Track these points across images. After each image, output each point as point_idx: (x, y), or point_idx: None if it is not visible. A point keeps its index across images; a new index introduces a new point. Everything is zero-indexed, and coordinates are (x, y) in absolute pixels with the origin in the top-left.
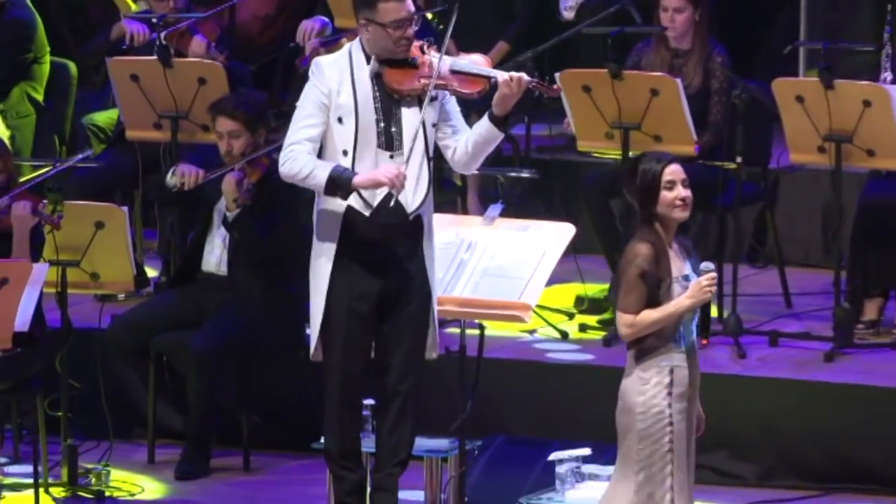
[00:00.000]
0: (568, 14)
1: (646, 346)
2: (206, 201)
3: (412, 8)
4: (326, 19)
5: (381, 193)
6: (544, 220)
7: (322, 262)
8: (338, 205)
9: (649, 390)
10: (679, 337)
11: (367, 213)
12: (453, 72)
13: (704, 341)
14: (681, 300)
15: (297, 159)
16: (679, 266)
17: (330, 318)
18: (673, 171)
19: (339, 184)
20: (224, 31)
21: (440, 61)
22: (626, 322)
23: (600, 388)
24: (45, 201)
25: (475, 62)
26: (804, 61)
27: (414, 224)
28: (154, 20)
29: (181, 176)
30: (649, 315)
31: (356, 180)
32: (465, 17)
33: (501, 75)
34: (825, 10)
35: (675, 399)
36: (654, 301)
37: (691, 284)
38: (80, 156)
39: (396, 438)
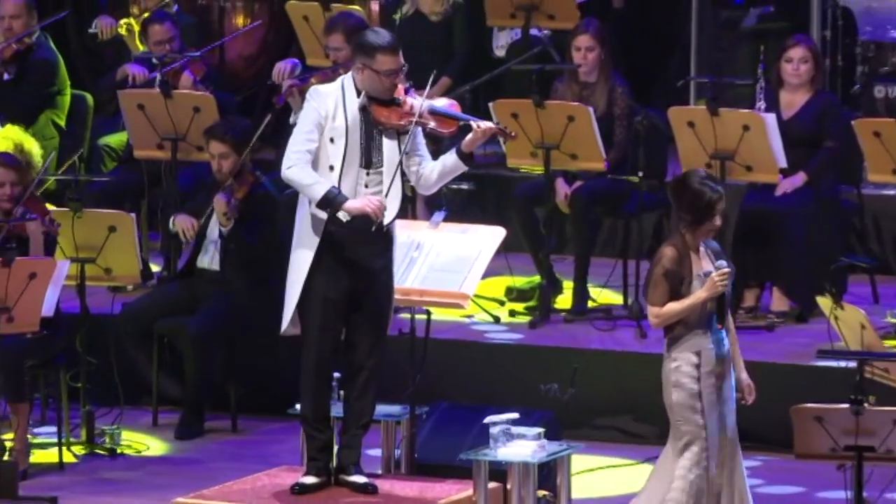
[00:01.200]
0: (499, 52)
1: (675, 334)
2: (204, 212)
3: (402, 60)
4: (297, 61)
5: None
6: (480, 224)
7: (303, 257)
8: (322, 211)
9: (682, 371)
10: (707, 324)
11: (344, 218)
12: (432, 112)
13: (720, 326)
14: (698, 293)
15: (303, 170)
16: (705, 265)
17: (308, 306)
18: (722, 203)
19: (332, 203)
20: (211, 69)
21: (423, 104)
22: (654, 313)
23: (527, 362)
24: (51, 215)
25: (449, 106)
26: (694, 93)
27: (385, 233)
28: (154, 60)
29: (181, 228)
30: (672, 307)
31: (347, 205)
32: (414, 56)
33: (472, 122)
34: (711, 51)
35: (703, 376)
36: (677, 295)
37: (707, 279)
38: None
39: (361, 405)
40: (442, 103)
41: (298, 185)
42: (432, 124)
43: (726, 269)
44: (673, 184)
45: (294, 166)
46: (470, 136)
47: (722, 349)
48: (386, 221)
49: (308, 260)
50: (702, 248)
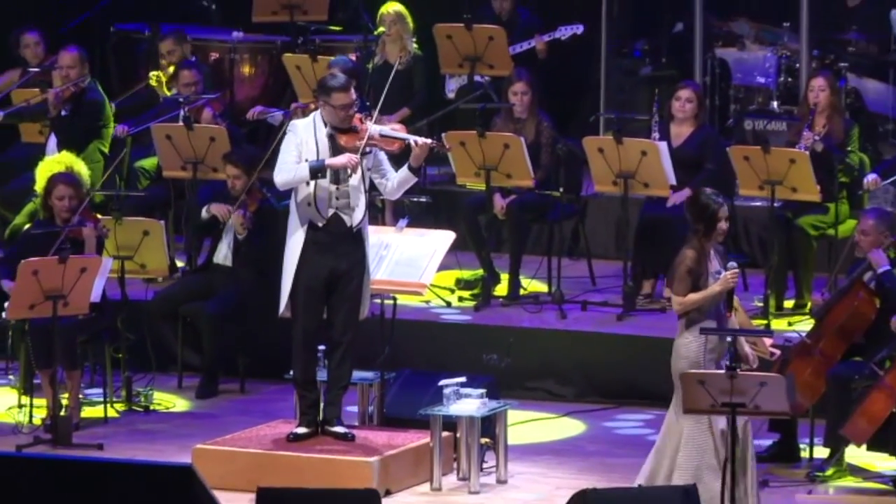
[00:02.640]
0: (450, 94)
1: (691, 318)
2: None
3: (354, 96)
4: (273, 109)
5: (329, 213)
6: (435, 229)
7: (293, 254)
8: (304, 218)
9: (692, 347)
10: (715, 312)
11: (320, 224)
12: (381, 135)
13: (728, 314)
14: (713, 287)
15: (286, 170)
16: (714, 264)
17: (296, 292)
18: (724, 211)
19: (319, 168)
20: (226, 107)
21: (373, 129)
22: (678, 301)
23: (472, 338)
24: (101, 222)
25: (395, 129)
26: (603, 126)
27: (357, 233)
28: (181, 99)
29: (218, 213)
30: (693, 297)
31: (328, 162)
32: (376, 92)
33: (413, 139)
34: (616, 93)
35: (708, 352)
36: (696, 288)
37: (721, 276)
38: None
39: (340, 372)
40: (389, 128)
41: (290, 180)
42: (381, 145)
43: (736, 269)
44: (688, 202)
45: (280, 172)
46: (413, 152)
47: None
48: (354, 224)
49: (296, 258)
50: (712, 251)
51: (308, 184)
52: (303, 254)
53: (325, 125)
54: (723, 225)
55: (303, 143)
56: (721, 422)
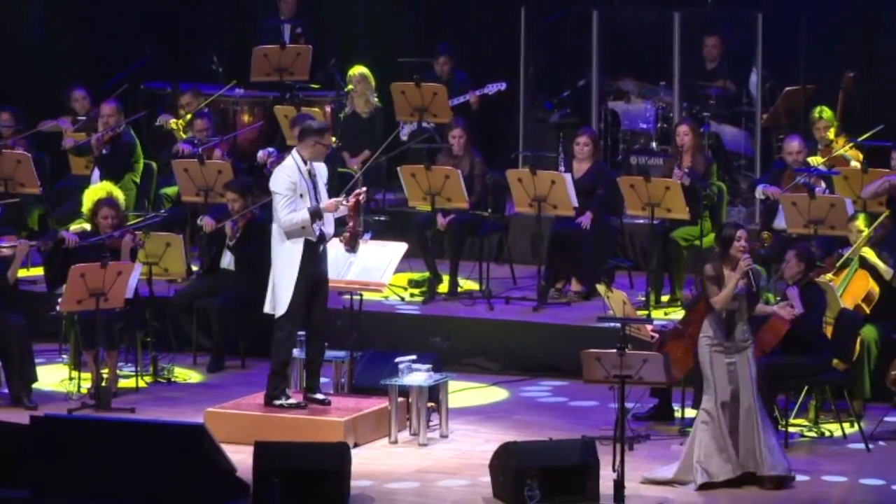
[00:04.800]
0: (404, 137)
1: (707, 322)
2: (222, 237)
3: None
4: (272, 149)
5: (319, 231)
6: (392, 241)
7: (293, 265)
8: (302, 237)
9: (703, 344)
10: (723, 320)
11: (314, 240)
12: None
13: (746, 310)
14: (733, 276)
15: (288, 222)
16: (734, 278)
17: (296, 295)
18: (740, 234)
19: (316, 214)
20: (231, 147)
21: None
22: (713, 302)
23: (421, 325)
24: (138, 234)
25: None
26: (521, 161)
27: (326, 246)
28: (196, 141)
29: (204, 224)
30: (720, 294)
31: (323, 207)
32: (351, 138)
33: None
34: (531, 136)
35: (714, 347)
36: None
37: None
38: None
39: (318, 352)
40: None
41: (294, 223)
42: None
43: (749, 260)
44: (716, 232)
45: (283, 223)
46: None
47: (733, 333)
48: (328, 239)
49: (296, 269)
50: (750, 273)
51: (295, 210)
52: (301, 264)
53: (305, 162)
54: (739, 244)
55: (296, 182)
56: (725, 394)
